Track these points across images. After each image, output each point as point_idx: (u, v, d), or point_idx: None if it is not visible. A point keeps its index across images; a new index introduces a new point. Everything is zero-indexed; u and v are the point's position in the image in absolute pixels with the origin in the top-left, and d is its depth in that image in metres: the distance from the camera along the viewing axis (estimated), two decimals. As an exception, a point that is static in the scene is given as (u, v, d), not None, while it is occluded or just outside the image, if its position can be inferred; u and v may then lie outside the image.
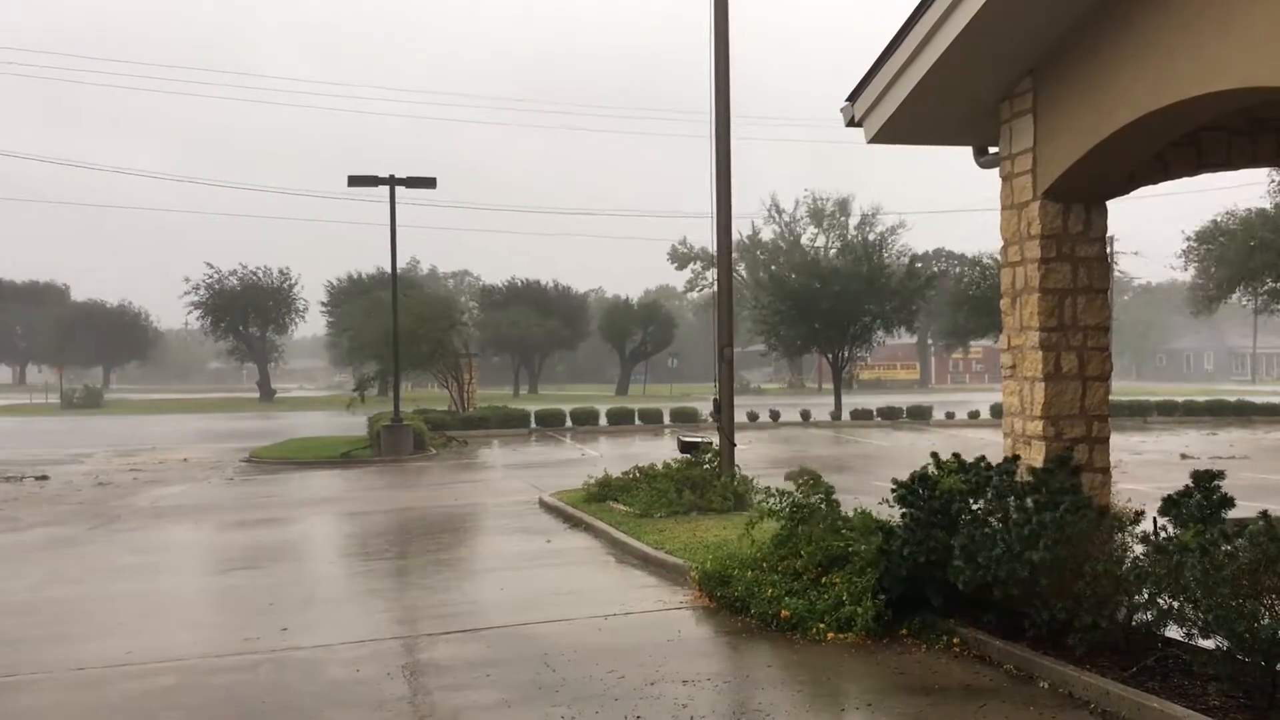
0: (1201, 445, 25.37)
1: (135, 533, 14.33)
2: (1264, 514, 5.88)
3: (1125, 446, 23.65)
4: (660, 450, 20.59)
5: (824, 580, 8.18)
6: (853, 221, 78.63)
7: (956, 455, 8.12)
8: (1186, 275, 48.02)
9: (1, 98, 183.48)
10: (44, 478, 21.33)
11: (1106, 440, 7.95)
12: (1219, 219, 42.23)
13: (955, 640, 7.38)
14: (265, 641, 8.14)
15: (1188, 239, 43.93)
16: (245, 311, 66.44)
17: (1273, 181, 39.34)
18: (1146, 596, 6.34)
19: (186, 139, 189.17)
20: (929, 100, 8.02)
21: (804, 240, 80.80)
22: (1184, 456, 21.77)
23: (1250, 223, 40.48)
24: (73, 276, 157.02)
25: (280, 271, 67.61)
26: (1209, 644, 5.86)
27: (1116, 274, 47.73)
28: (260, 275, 66.92)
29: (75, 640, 8.39)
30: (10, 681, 7.26)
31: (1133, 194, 8.26)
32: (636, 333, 73.04)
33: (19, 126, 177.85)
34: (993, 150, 8.54)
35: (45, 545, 13.30)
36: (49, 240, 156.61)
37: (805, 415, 36.91)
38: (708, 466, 14.88)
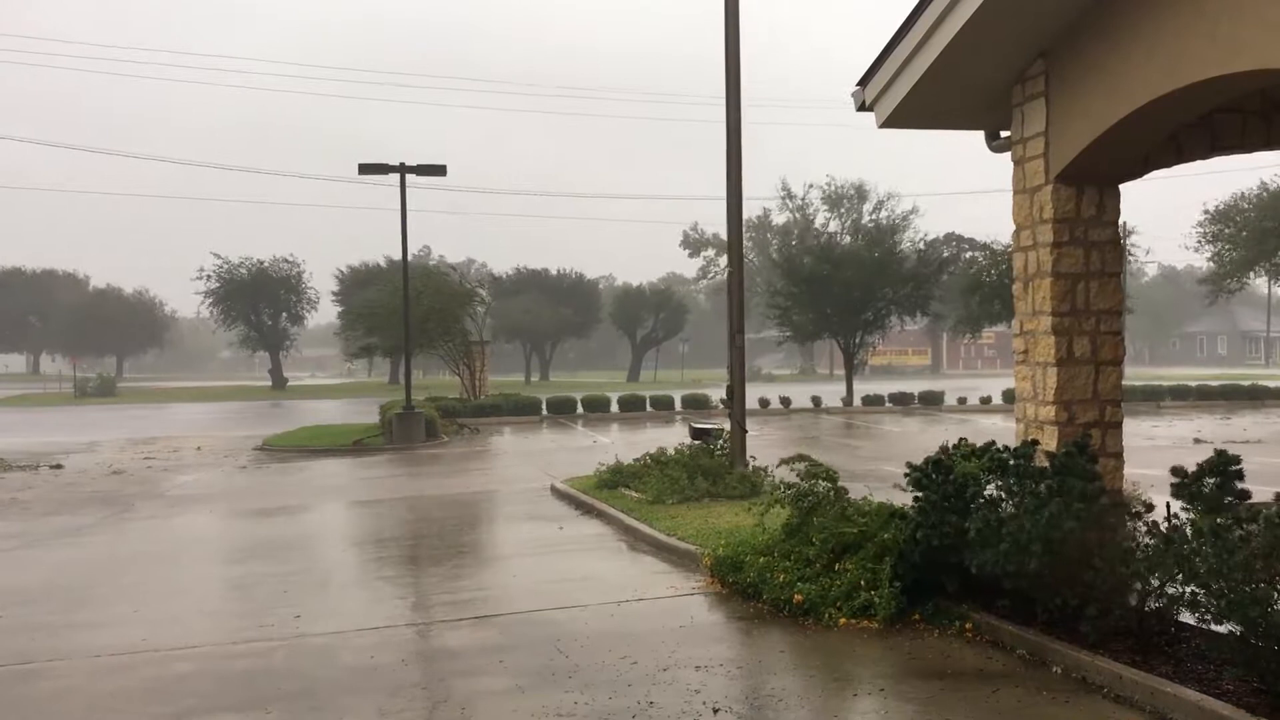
0: (1215, 430, 25.26)
1: (149, 520, 14.43)
2: (1279, 496, 5.86)
3: (1138, 431, 23.57)
4: (672, 437, 20.59)
5: (837, 566, 8.18)
6: (868, 206, 78.63)
7: (964, 440, 8.11)
8: (1201, 257, 47.64)
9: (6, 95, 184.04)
10: (59, 466, 21.48)
11: (1119, 425, 7.94)
12: (1243, 192, 42.01)
13: (968, 625, 7.38)
14: (280, 628, 8.19)
15: (1205, 213, 43.63)
16: (256, 300, 66.59)
17: None
18: (1159, 582, 6.33)
19: (194, 129, 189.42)
20: (940, 84, 7.98)
21: (817, 224, 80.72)
22: (1197, 441, 21.69)
23: (1266, 204, 40.24)
24: (88, 264, 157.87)
25: (287, 260, 67.72)
26: (1222, 629, 5.85)
27: (1129, 259, 47.30)
28: (269, 265, 67.00)
29: (91, 627, 8.46)
30: (29, 668, 7.32)
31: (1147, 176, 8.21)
32: (648, 319, 73.06)
33: (20, 123, 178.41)
34: (1005, 134, 8.49)
35: (60, 533, 13.40)
36: (64, 228, 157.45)
37: (816, 401, 36.88)
38: (720, 453, 14.87)
